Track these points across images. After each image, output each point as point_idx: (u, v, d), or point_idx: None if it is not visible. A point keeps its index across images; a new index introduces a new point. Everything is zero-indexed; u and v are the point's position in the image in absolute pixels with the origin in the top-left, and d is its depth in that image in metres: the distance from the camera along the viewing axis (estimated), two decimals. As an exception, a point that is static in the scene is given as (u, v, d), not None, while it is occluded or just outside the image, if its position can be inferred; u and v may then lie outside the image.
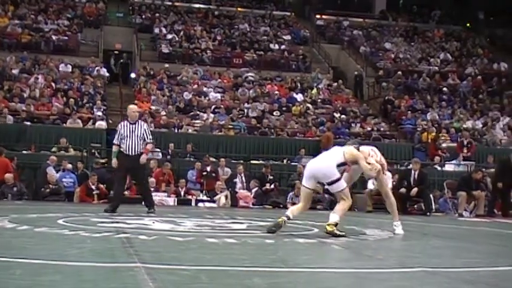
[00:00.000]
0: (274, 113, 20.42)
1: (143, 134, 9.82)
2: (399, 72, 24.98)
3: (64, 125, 17.54)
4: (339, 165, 6.92)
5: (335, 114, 20.91)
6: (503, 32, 31.27)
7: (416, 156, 17.08)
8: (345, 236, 6.64)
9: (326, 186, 7.34)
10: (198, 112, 19.75)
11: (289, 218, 6.93)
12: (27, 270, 3.81)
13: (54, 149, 16.22)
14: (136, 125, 9.88)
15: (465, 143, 18.68)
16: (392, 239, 6.98)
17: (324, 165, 6.96)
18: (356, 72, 25.31)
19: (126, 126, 9.86)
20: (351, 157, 6.97)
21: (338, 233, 6.69)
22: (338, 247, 5.84)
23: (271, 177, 15.54)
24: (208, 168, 15.57)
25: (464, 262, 5.14)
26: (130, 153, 9.75)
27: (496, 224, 11.43)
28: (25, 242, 5.43)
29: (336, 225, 6.80)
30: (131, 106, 10.77)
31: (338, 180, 6.90)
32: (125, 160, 9.79)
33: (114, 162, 9.93)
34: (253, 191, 15.10)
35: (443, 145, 19.26)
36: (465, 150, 18.39)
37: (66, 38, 24.00)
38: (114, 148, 9.98)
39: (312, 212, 13.32)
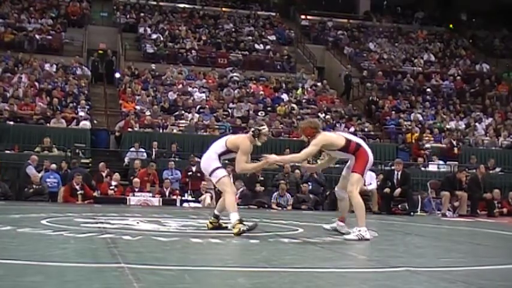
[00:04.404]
0: (259, 113, 20.44)
1: None
2: (379, 73, 25.12)
3: (48, 124, 17.42)
4: (221, 155, 6.78)
5: (320, 114, 20.98)
6: (485, 33, 31.59)
7: (400, 157, 17.19)
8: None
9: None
10: (182, 112, 19.71)
11: (217, 217, 7.08)
12: (10, 271, 3.78)
13: (37, 149, 16.11)
14: None
15: (455, 143, 18.95)
16: (376, 238, 7.00)
17: (203, 158, 6.92)
18: (346, 72, 25.26)
19: None
20: (232, 144, 6.75)
21: (245, 228, 6.46)
22: (322, 247, 5.87)
23: (262, 178, 15.48)
24: (194, 169, 15.54)
25: (446, 261, 5.19)
26: None
27: (478, 223, 11.55)
28: (7, 243, 5.39)
29: (240, 222, 6.52)
30: None
31: (215, 169, 6.69)
32: None
33: None
34: (239, 191, 15.05)
35: (427, 145, 19.41)
36: (456, 150, 18.61)
37: (49, 37, 23.82)
38: None
39: (296, 212, 13.37)
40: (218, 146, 6.80)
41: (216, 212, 7.15)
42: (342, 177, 6.96)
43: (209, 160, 6.74)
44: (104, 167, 15.27)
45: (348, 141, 6.59)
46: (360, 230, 6.46)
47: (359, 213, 6.56)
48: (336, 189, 7.15)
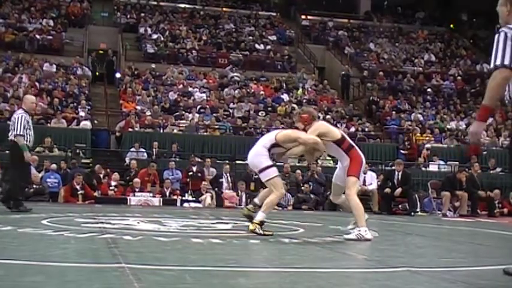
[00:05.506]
0: (260, 113, 20.45)
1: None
2: (380, 73, 25.12)
3: (48, 124, 17.43)
4: (270, 149, 6.59)
5: (320, 114, 20.96)
6: (486, 33, 31.56)
7: (400, 157, 17.19)
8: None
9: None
10: (183, 112, 19.73)
11: (255, 205, 6.84)
12: (10, 271, 3.78)
13: (38, 149, 16.09)
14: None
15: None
16: (377, 238, 6.99)
17: (251, 153, 6.70)
18: (343, 72, 25.30)
19: (27, 117, 9.34)
20: (284, 137, 6.58)
21: (261, 232, 6.35)
22: (323, 247, 5.86)
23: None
24: (194, 169, 15.54)
25: (447, 262, 5.19)
26: (30, 146, 9.50)
27: (478, 223, 11.55)
28: (8, 243, 5.38)
29: (261, 224, 6.44)
30: (31, 97, 10.34)
31: (266, 168, 6.52)
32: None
33: (29, 156, 9.34)
34: (243, 193, 14.94)
35: (428, 145, 19.40)
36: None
37: (50, 37, 23.84)
38: (23, 140, 9.19)
39: (297, 212, 13.37)
40: (266, 140, 6.71)
41: (256, 200, 6.95)
42: (333, 185, 7.02)
43: (259, 156, 6.58)
44: (101, 168, 15.20)
45: (343, 136, 6.67)
46: (359, 230, 6.47)
47: (358, 214, 6.57)
48: (331, 198, 7.20)
